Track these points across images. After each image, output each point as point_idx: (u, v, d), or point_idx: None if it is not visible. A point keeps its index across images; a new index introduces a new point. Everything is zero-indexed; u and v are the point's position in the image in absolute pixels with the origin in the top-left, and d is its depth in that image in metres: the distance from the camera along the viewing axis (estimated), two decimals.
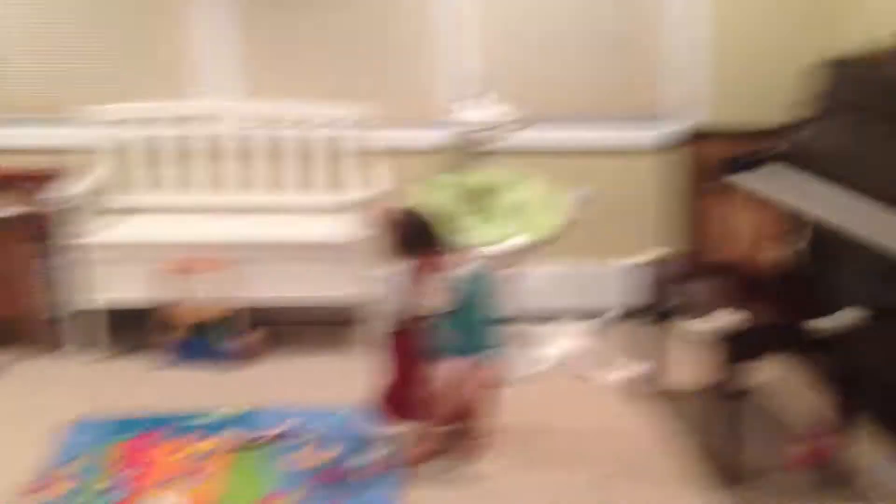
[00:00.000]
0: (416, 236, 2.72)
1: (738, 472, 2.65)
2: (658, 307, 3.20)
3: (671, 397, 3.27)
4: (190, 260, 3.41)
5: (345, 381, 3.32)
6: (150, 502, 2.52)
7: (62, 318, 3.51)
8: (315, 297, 3.50)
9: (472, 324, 2.77)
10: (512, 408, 3.14)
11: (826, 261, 3.26)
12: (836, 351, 2.63)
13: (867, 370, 2.72)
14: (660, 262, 3.21)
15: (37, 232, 3.47)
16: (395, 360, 2.80)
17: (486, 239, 3.32)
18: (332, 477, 2.69)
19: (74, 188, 3.35)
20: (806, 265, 3.39)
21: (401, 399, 2.80)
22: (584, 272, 4.03)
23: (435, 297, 2.72)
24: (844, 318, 2.61)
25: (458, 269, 2.75)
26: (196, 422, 3.00)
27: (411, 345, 2.75)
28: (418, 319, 2.75)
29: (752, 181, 3.23)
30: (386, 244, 2.74)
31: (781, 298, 2.96)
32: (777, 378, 3.46)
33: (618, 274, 4.01)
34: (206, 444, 2.85)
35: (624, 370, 3.44)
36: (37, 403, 3.14)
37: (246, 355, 3.49)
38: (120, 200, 3.71)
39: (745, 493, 2.63)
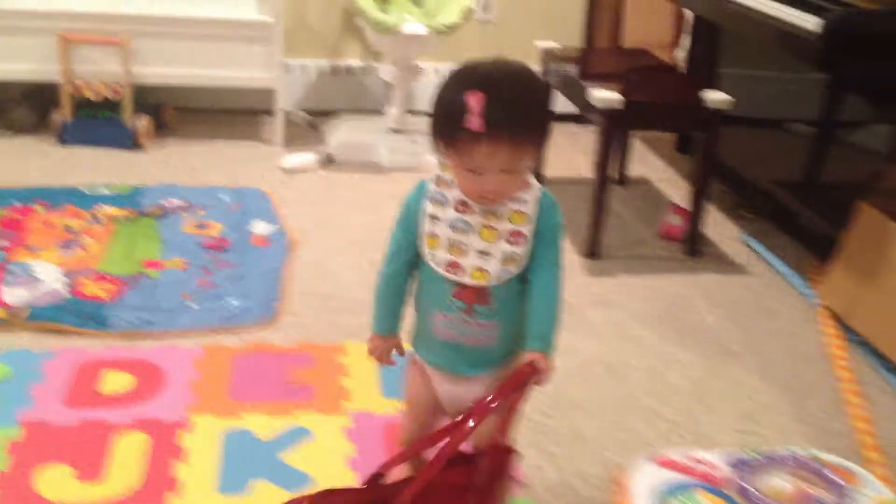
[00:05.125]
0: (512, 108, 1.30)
1: (598, 247, 2.85)
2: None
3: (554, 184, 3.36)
4: (83, 32, 3.23)
5: (240, 166, 3.31)
6: (22, 265, 2.49)
7: None
8: (216, 78, 3.38)
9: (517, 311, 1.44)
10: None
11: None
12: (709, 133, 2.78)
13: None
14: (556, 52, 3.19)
15: None
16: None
17: (384, 22, 3.22)
18: (216, 247, 2.68)
19: None
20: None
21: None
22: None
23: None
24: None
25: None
26: (78, 196, 2.93)
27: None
28: None
29: None
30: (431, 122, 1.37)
31: (668, 85, 3.01)
32: (660, 172, 3.64)
33: None
34: (87, 215, 2.79)
35: None
36: None
37: (140, 136, 3.36)
38: None
39: (606, 262, 2.84)
